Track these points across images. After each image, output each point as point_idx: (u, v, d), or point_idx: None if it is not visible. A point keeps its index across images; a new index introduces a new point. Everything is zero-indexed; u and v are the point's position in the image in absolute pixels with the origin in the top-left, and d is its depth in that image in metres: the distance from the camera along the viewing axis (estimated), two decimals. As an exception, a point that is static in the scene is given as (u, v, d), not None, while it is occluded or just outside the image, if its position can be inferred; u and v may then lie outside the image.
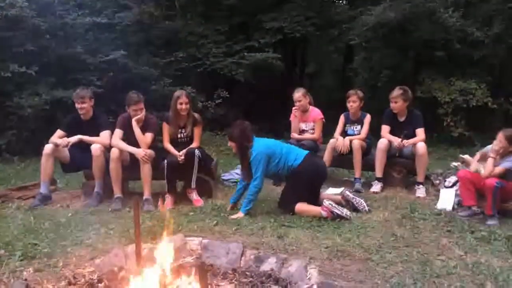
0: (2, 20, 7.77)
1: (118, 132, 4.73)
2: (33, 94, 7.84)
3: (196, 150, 4.67)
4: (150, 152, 4.63)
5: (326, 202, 3.97)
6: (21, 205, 4.57)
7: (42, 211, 4.37)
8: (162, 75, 9.49)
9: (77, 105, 4.84)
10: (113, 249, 3.12)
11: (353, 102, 5.36)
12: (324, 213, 3.90)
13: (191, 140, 4.91)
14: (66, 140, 4.68)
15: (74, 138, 4.71)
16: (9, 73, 7.59)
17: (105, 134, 4.81)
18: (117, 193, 4.58)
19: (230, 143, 4.34)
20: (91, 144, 4.70)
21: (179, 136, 4.92)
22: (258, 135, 4.38)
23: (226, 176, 5.62)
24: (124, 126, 4.76)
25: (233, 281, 2.79)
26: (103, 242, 3.37)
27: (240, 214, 4.05)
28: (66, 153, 4.75)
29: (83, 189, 4.93)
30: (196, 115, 5.01)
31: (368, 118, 5.37)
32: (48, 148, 4.63)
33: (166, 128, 4.88)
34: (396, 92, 5.08)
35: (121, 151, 4.61)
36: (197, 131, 4.92)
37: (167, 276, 2.47)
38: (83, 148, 4.72)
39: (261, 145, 4.18)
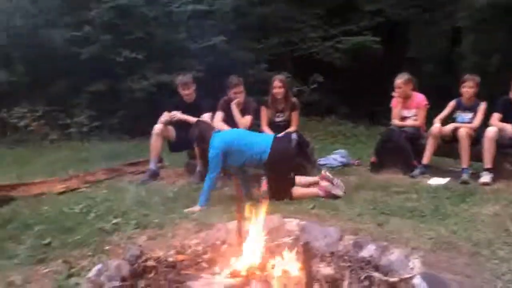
0: (115, 9, 8.44)
1: (219, 114, 4.94)
2: (142, 78, 8.46)
3: (293, 134, 4.71)
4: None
5: (323, 183, 4.10)
6: (133, 179, 5.00)
7: (151, 185, 4.74)
8: (258, 60, 9.64)
9: (181, 91, 5.13)
10: (216, 224, 3.28)
11: (469, 88, 4.97)
12: (321, 193, 4.07)
13: (288, 124, 4.97)
14: (172, 113, 4.99)
15: (180, 115, 5.01)
16: (122, 58, 8.25)
17: (206, 116, 5.05)
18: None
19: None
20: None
21: (276, 120, 5.00)
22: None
23: (322, 161, 5.59)
24: (225, 109, 4.96)
25: (330, 264, 2.79)
26: (206, 217, 3.56)
27: (196, 208, 3.90)
28: (172, 133, 5.08)
29: (187, 167, 5.25)
30: (294, 99, 5.05)
31: (483, 106, 4.94)
32: (157, 128, 4.98)
33: (264, 112, 4.98)
34: None
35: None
36: (294, 115, 4.96)
37: (266, 253, 2.54)
38: (187, 130, 4.99)
39: (217, 140, 4.10)
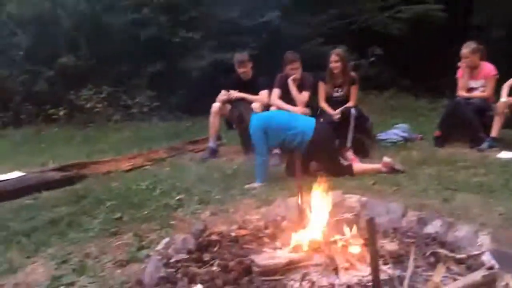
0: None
1: (276, 91, 4.93)
2: (198, 57, 8.59)
3: (352, 109, 4.62)
4: (306, 110, 4.73)
5: (386, 159, 4.08)
6: (194, 157, 5.16)
7: (211, 163, 4.86)
8: (314, 34, 9.45)
9: (238, 69, 5.16)
10: (276, 200, 3.32)
11: None
12: (384, 169, 4.03)
13: (347, 99, 4.87)
14: (230, 92, 5.05)
15: (236, 94, 5.06)
16: (178, 38, 8.41)
17: (264, 93, 5.07)
18: (276, 149, 4.81)
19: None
20: (251, 103, 5.00)
21: (335, 95, 4.92)
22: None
23: (383, 136, 5.45)
24: (282, 85, 4.94)
25: (394, 240, 2.75)
26: (266, 193, 3.61)
27: (256, 184, 3.92)
28: (230, 111, 5.14)
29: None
30: (352, 73, 4.94)
31: None
32: (215, 106, 5.07)
33: (322, 87, 4.91)
34: None
35: (279, 109, 4.79)
36: (353, 90, 4.86)
37: (327, 228, 2.55)
38: (244, 107, 5.04)
39: (256, 119, 4.14)
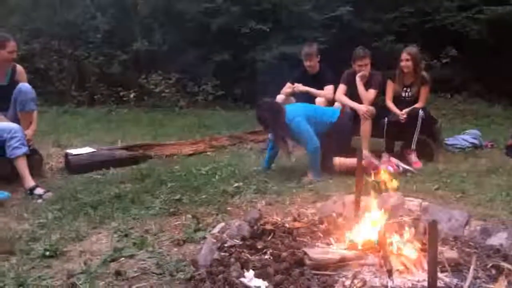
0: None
1: (342, 87, 4.86)
2: (265, 49, 8.63)
3: (420, 110, 4.46)
4: (372, 108, 4.62)
5: (394, 160, 4.06)
6: (254, 147, 5.22)
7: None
8: (385, 32, 9.18)
9: (305, 62, 5.13)
10: (333, 196, 3.29)
11: None
12: (391, 169, 3.91)
13: (415, 100, 4.70)
14: (294, 86, 5.05)
15: (301, 87, 5.04)
16: (248, 29, 8.50)
17: (329, 88, 5.01)
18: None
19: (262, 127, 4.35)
20: (315, 97, 4.96)
21: (403, 94, 4.76)
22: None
23: (450, 140, 5.21)
24: (348, 81, 4.86)
25: (454, 248, 2.64)
26: (323, 188, 3.60)
27: (312, 179, 3.93)
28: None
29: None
30: (424, 74, 4.75)
31: None
32: (279, 98, 5.08)
33: (390, 86, 4.77)
34: None
35: (344, 105, 4.73)
36: (423, 91, 4.68)
37: (384, 229, 2.49)
38: (308, 101, 5.01)
39: (295, 111, 4.12)
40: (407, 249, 2.30)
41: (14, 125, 3.78)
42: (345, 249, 2.37)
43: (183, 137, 5.73)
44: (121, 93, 9.03)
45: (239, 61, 8.93)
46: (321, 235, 2.66)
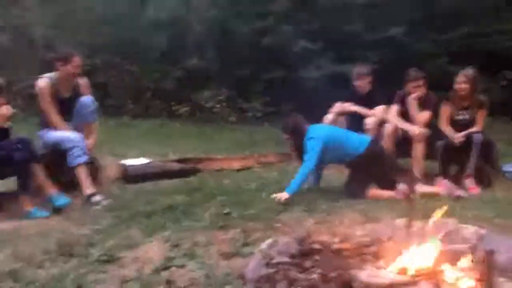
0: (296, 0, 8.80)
1: (394, 108, 4.79)
2: (315, 68, 8.66)
3: (477, 134, 4.31)
4: (425, 130, 4.53)
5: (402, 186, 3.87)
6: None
7: (319, 173, 4.87)
8: (441, 53, 8.97)
9: (356, 82, 5.11)
10: (383, 219, 3.24)
11: None
12: (399, 197, 3.83)
13: (471, 123, 4.56)
14: (345, 105, 5.03)
15: (351, 107, 5.01)
16: (298, 48, 8.57)
17: (380, 109, 4.95)
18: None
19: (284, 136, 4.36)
20: (365, 118, 4.91)
21: (459, 117, 4.63)
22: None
23: (508, 167, 4.97)
24: (401, 102, 4.79)
25: (512, 280, 2.51)
26: (373, 210, 3.54)
27: (284, 195, 3.76)
28: (343, 125, 5.10)
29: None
30: (482, 97, 4.61)
31: None
32: (328, 118, 5.06)
33: (445, 108, 4.65)
34: None
35: (395, 127, 4.65)
36: (480, 114, 4.53)
37: (437, 256, 2.42)
38: (358, 121, 4.97)
39: (318, 131, 4.09)
40: (461, 278, 2.22)
41: (76, 135, 4.01)
42: (395, 273, 2.32)
43: (232, 152, 5.83)
44: (174, 108, 9.34)
45: (289, 79, 9.00)
46: (371, 258, 2.62)
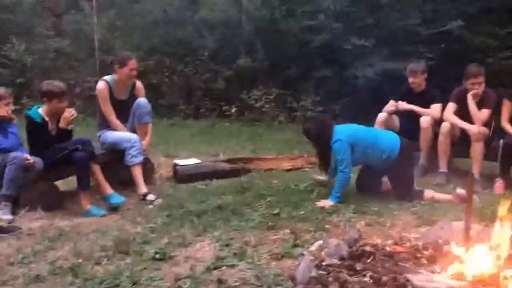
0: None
1: (451, 106, 4.59)
2: (367, 65, 8.46)
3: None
4: (484, 129, 4.32)
5: (460, 190, 3.74)
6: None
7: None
8: (501, 47, 8.49)
9: (410, 79, 4.95)
10: (439, 221, 3.12)
11: None
12: (456, 200, 3.72)
13: (536, 121, 4.29)
14: (399, 103, 4.88)
15: (405, 105, 4.86)
16: (350, 45, 8.41)
17: (436, 107, 4.77)
18: (443, 167, 4.50)
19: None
20: (420, 116, 4.75)
21: (522, 115, 4.37)
22: None
23: None
24: (458, 100, 4.58)
25: None
26: (428, 213, 3.42)
27: (328, 202, 3.68)
28: (397, 123, 4.97)
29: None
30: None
31: None
32: (381, 116, 4.94)
33: (507, 106, 4.40)
34: None
35: (452, 125, 4.46)
36: (546, 112, 4.25)
37: (498, 261, 2.30)
38: (413, 120, 4.80)
39: (341, 132, 3.84)
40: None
41: (134, 136, 4.16)
42: (451, 278, 2.23)
43: (282, 152, 5.82)
44: (224, 108, 9.46)
45: (339, 77, 8.86)
46: (425, 262, 2.53)
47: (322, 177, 4.24)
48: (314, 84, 9.19)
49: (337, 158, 3.84)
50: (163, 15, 10.49)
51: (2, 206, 3.50)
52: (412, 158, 4.04)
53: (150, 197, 3.95)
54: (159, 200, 3.91)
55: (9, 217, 3.48)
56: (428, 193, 3.89)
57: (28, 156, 3.63)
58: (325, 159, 4.01)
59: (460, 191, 3.76)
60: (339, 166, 3.80)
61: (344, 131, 3.88)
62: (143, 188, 4.02)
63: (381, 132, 4.15)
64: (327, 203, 3.69)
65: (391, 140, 3.91)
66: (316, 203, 3.71)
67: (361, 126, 4.11)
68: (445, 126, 4.47)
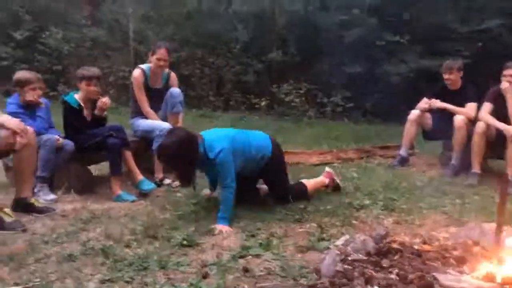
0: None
1: (487, 106, 4.46)
2: (401, 62, 8.33)
3: None
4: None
5: (328, 169, 3.93)
6: (382, 162, 5.07)
7: (399, 171, 4.71)
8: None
9: (445, 77, 4.84)
10: (469, 222, 3.06)
11: None
12: (326, 181, 3.86)
13: None
14: (432, 101, 4.80)
15: (439, 103, 4.76)
16: (383, 41, 8.29)
17: (471, 106, 4.66)
18: (476, 168, 4.38)
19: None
20: (454, 115, 4.64)
21: None
22: None
23: None
24: (495, 100, 4.45)
25: None
26: (458, 213, 3.36)
27: (225, 227, 3.05)
28: (429, 121, 4.87)
29: (440, 158, 4.99)
30: None
31: None
32: (414, 114, 4.86)
33: (546, 106, 4.26)
34: None
35: (488, 126, 4.34)
36: None
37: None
38: (447, 119, 4.70)
39: (219, 140, 3.27)
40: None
41: (165, 124, 4.23)
42: (481, 279, 2.19)
43: (310, 147, 5.81)
44: (253, 101, 9.49)
45: (371, 73, 8.75)
46: (454, 262, 2.49)
47: (209, 191, 3.81)
48: (345, 80, 9.11)
49: (220, 171, 3.24)
50: (196, 7, 10.57)
51: (39, 187, 3.63)
52: (283, 154, 3.78)
53: (166, 181, 4.16)
54: (176, 183, 4.01)
55: (53, 196, 3.64)
56: (308, 182, 3.76)
57: (57, 136, 3.77)
58: (189, 174, 3.35)
59: (328, 169, 3.93)
60: (224, 181, 3.23)
61: (222, 139, 3.31)
62: (159, 173, 4.19)
63: (251, 132, 3.74)
64: (224, 228, 3.05)
65: (263, 138, 3.62)
66: (212, 226, 3.07)
67: (228, 129, 3.67)
68: (480, 126, 4.35)
